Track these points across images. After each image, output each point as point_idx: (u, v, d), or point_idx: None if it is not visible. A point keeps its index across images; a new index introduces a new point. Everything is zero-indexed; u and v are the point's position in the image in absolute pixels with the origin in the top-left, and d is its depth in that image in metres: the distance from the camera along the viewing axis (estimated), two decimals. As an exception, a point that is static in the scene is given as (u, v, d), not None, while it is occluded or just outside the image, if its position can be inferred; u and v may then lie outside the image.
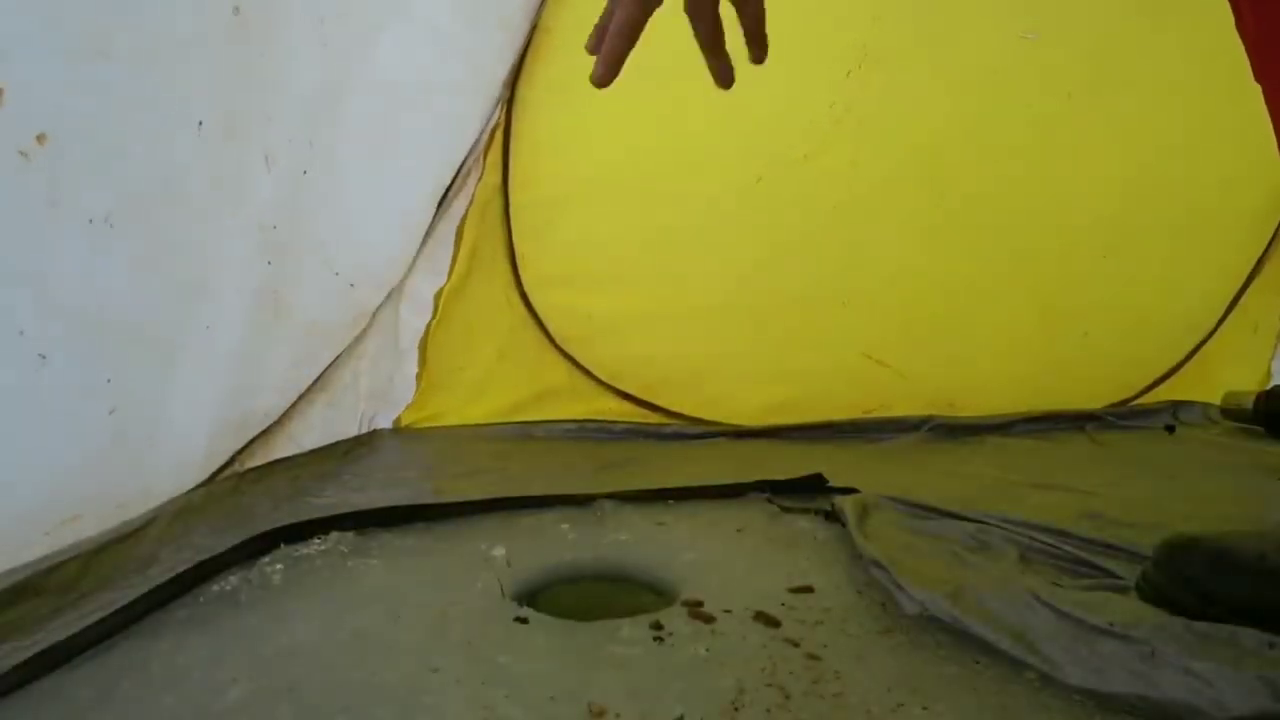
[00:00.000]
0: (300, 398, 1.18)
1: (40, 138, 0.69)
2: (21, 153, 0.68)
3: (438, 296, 1.43)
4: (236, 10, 0.88)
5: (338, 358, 1.24)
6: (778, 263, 1.55)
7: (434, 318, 1.43)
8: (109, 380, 0.80)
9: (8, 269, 0.70)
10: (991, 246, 1.59)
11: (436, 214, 1.35)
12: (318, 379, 1.21)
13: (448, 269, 1.42)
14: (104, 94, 0.76)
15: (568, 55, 1.35)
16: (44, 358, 0.72)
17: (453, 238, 1.41)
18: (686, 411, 1.56)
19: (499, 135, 1.39)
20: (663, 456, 1.36)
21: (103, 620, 0.67)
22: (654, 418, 1.55)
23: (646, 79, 1.45)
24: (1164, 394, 1.73)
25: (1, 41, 0.65)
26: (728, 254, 1.53)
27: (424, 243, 1.36)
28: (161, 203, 0.84)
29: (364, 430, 1.37)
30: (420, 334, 1.44)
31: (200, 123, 0.85)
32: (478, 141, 1.35)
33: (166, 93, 0.82)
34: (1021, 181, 1.57)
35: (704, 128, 1.46)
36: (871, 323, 1.60)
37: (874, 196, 1.53)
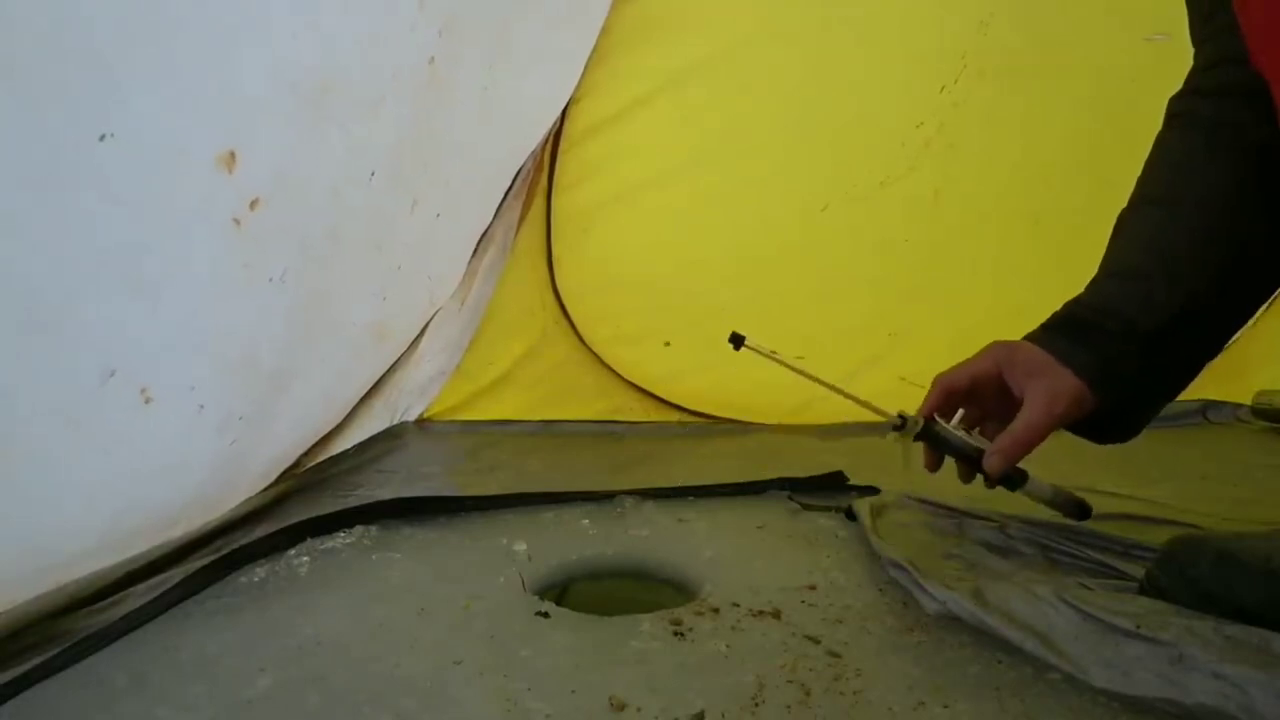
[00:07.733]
0: (360, 401, 1.19)
1: (254, 203, 0.66)
2: (235, 220, 0.65)
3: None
4: (431, 60, 0.83)
5: (396, 362, 1.25)
6: (830, 296, 1.38)
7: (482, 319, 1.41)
8: (240, 419, 0.81)
9: (194, 335, 0.68)
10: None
11: (495, 219, 1.33)
12: (376, 383, 1.22)
13: (499, 273, 1.40)
14: (316, 155, 0.72)
15: (625, 56, 1.27)
16: (203, 408, 0.73)
17: (509, 243, 1.39)
18: (710, 412, 1.55)
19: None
20: (683, 453, 1.36)
21: (136, 610, 0.69)
22: (676, 416, 1.55)
23: (708, 86, 1.29)
24: (1194, 393, 1.70)
25: (245, 107, 0.62)
26: (777, 284, 1.37)
27: (486, 249, 1.34)
28: (326, 255, 0.82)
29: (394, 422, 1.38)
30: (472, 334, 1.42)
31: (373, 173, 0.82)
32: (537, 145, 1.32)
33: (358, 145, 0.78)
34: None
35: (768, 144, 1.30)
36: (919, 355, 1.36)
37: (959, 232, 1.33)
